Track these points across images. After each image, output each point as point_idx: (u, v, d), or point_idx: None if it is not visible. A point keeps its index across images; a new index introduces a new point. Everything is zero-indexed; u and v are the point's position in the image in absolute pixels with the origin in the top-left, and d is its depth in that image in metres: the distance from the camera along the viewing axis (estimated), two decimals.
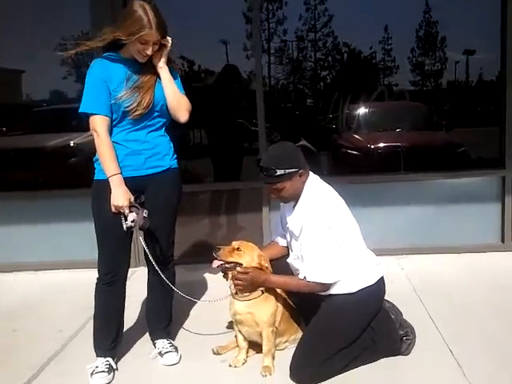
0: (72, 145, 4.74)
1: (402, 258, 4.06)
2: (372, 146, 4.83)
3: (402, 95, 4.75)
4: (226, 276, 2.58)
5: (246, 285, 2.44)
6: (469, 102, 4.84)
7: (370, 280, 2.47)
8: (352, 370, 2.47)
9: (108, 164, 2.37)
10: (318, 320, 2.44)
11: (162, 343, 2.73)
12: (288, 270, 2.64)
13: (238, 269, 2.46)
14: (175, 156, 2.63)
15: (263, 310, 2.51)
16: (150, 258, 2.53)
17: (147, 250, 2.52)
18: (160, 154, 2.54)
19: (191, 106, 2.56)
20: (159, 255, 2.60)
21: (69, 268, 4.28)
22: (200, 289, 3.61)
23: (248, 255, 2.50)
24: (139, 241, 2.58)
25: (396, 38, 4.50)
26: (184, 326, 3.09)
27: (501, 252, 4.11)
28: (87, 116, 2.39)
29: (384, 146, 4.83)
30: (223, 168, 4.59)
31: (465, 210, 4.19)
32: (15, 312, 3.49)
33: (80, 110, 2.39)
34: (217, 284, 2.79)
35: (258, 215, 4.27)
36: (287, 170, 2.39)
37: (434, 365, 2.52)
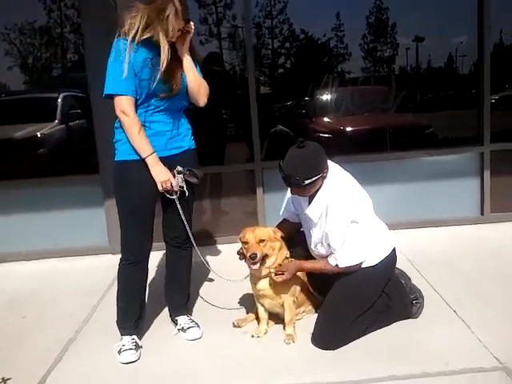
0: (39, 135, 4.64)
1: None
2: (348, 129, 4.90)
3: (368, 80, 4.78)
4: (242, 258, 2.68)
5: (288, 277, 2.55)
6: (436, 87, 4.95)
7: (387, 251, 2.63)
8: (369, 334, 2.63)
9: (142, 144, 2.41)
10: (341, 289, 2.57)
11: (184, 319, 2.81)
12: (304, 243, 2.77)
13: (272, 270, 2.57)
14: (193, 137, 2.69)
15: (284, 283, 2.62)
16: (189, 233, 2.61)
17: (187, 225, 2.59)
18: (181, 135, 2.59)
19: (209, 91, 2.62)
20: (183, 231, 2.66)
21: (56, 257, 4.29)
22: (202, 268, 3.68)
23: (269, 240, 2.58)
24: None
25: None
26: (200, 302, 3.17)
27: (481, 224, 4.38)
28: (111, 97, 2.41)
29: (359, 129, 4.85)
30: (210, 151, 4.63)
31: (446, 185, 4.42)
32: (18, 300, 3.46)
33: (106, 92, 2.40)
34: (216, 264, 2.91)
35: (252, 198, 4.37)
36: (314, 178, 2.41)
37: (443, 325, 2.71)
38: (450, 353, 2.43)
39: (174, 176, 2.48)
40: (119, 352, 2.57)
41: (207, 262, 2.90)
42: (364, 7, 4.42)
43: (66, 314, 3.19)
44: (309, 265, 2.66)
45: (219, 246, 4.26)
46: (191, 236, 2.64)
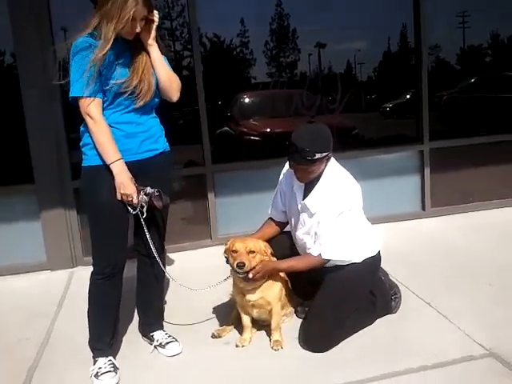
0: None
1: None
2: (278, 132, 4.84)
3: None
4: (229, 262, 2.55)
5: (261, 277, 2.47)
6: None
7: (373, 251, 2.62)
8: (355, 334, 2.61)
9: (108, 149, 2.20)
10: (330, 289, 2.52)
11: (160, 334, 2.61)
12: (284, 246, 2.71)
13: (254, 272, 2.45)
14: (166, 138, 2.50)
15: (272, 289, 2.56)
16: (152, 247, 2.40)
17: (150, 239, 2.38)
18: (154, 137, 2.40)
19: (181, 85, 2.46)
20: (156, 244, 2.46)
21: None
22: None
23: (259, 253, 2.49)
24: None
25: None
26: (169, 315, 2.97)
27: (423, 218, 4.59)
28: (76, 100, 2.19)
29: (282, 131, 4.68)
30: None
31: (389, 182, 4.57)
32: None
33: (71, 95, 2.17)
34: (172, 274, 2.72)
35: (203, 202, 4.22)
36: (324, 154, 2.39)
37: (422, 318, 2.77)
38: (438, 344, 2.47)
39: (139, 193, 2.26)
40: (96, 376, 2.32)
41: (169, 274, 2.66)
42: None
43: (17, 338, 2.85)
44: (285, 264, 2.57)
45: (170, 255, 4.05)
46: (154, 251, 2.41)
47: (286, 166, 2.70)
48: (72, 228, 3.95)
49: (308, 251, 2.55)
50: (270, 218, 2.86)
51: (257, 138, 4.61)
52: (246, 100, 4.74)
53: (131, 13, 2.11)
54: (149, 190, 2.27)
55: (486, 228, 4.23)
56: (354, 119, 4.79)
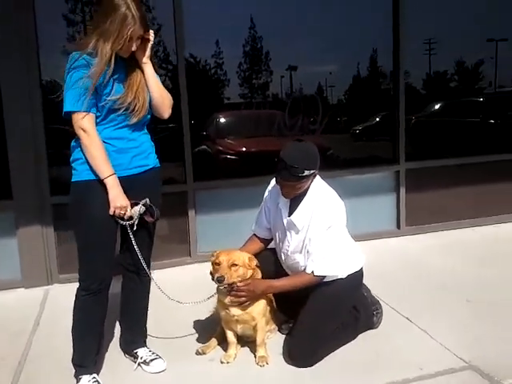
0: None
1: None
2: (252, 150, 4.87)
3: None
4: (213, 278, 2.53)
5: (251, 297, 2.48)
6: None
7: (357, 266, 2.68)
8: (339, 349, 2.64)
9: (102, 164, 2.20)
10: (316, 305, 2.55)
11: (144, 351, 2.59)
12: (269, 262, 2.73)
13: (239, 284, 2.45)
14: (156, 155, 2.52)
15: (257, 305, 2.56)
16: (142, 262, 2.39)
17: (139, 252, 2.38)
18: (145, 153, 2.41)
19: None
20: (145, 258, 2.46)
21: None
22: None
23: (242, 266, 2.49)
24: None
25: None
26: (156, 331, 2.93)
27: (398, 237, 4.69)
28: (70, 115, 2.19)
29: (262, 150, 4.74)
30: None
31: (365, 201, 4.66)
32: None
33: (65, 109, 2.18)
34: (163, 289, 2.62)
35: (183, 220, 4.22)
36: (311, 171, 2.44)
37: (402, 333, 2.83)
38: (420, 358, 2.53)
39: (132, 206, 2.28)
40: None
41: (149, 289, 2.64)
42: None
43: None
44: (278, 283, 2.58)
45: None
46: (144, 265, 2.41)
47: (272, 182, 2.76)
48: (48, 245, 3.88)
49: (301, 269, 2.58)
50: (254, 235, 2.88)
51: (236, 157, 4.66)
52: (225, 119, 4.81)
53: (129, 32, 2.14)
54: (142, 202, 2.29)
55: (458, 246, 4.37)
56: (329, 140, 4.87)
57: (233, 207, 4.30)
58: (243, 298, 2.48)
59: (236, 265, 2.47)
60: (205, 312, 3.00)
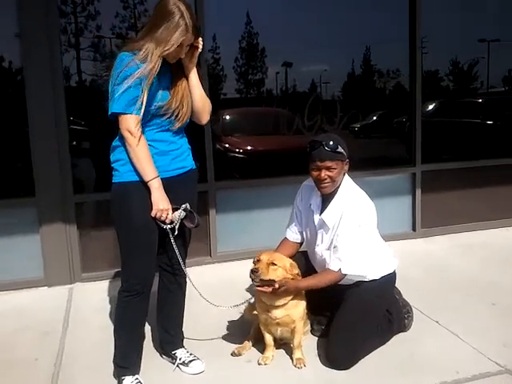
0: None
1: None
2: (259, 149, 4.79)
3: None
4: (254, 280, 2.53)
5: (285, 296, 2.52)
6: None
7: (390, 269, 2.72)
8: (373, 352, 2.68)
9: (147, 167, 2.22)
10: (352, 307, 2.59)
11: (183, 352, 2.61)
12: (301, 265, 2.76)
13: (276, 285, 2.46)
14: (192, 156, 2.54)
15: (298, 308, 2.60)
16: (181, 263, 2.41)
17: (179, 255, 2.39)
18: (184, 155, 2.44)
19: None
20: (183, 260, 2.48)
21: None
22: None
23: (282, 268, 2.51)
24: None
25: None
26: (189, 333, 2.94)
27: (414, 239, 4.74)
28: (116, 116, 2.20)
29: (282, 150, 4.78)
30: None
31: (381, 203, 4.66)
32: None
33: (112, 110, 2.18)
34: None
35: (204, 219, 4.23)
36: (344, 151, 2.56)
37: (434, 336, 2.86)
38: (454, 362, 2.57)
39: (173, 210, 2.31)
40: None
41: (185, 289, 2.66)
42: None
43: (30, 359, 2.76)
44: (305, 283, 2.61)
45: None
46: (183, 266, 2.44)
47: (302, 187, 2.85)
48: (72, 243, 3.88)
49: (327, 267, 2.61)
50: (286, 238, 2.91)
51: (257, 157, 4.68)
52: (245, 118, 4.82)
53: (180, 41, 2.16)
54: (182, 207, 2.31)
55: (476, 249, 4.42)
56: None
57: (253, 207, 4.33)
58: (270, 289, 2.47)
59: (275, 264, 2.49)
60: (233, 314, 3.00)
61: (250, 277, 2.47)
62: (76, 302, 3.55)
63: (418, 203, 4.75)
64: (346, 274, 2.54)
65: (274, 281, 2.47)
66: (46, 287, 3.85)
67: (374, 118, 5.01)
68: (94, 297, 3.62)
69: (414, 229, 4.80)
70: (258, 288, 2.49)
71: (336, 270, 2.53)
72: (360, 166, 4.70)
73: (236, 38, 4.39)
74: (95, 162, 4.13)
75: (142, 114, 2.21)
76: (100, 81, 4.14)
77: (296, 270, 2.57)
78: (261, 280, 2.46)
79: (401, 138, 4.95)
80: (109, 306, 3.40)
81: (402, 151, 4.89)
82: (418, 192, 4.73)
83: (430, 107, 5.06)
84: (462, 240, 4.69)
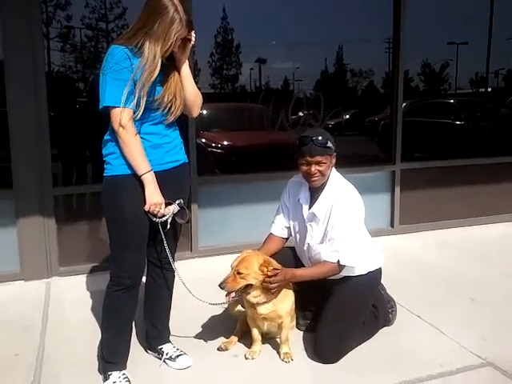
0: None
1: None
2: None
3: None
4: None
5: (282, 284, 2.51)
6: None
7: (377, 264, 2.75)
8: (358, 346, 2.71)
9: (140, 160, 2.18)
10: (339, 302, 2.60)
11: (169, 347, 2.58)
12: (288, 259, 2.76)
13: (269, 273, 2.46)
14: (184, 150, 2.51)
15: (285, 303, 2.59)
16: (170, 258, 2.39)
17: (168, 250, 2.37)
18: (176, 148, 2.41)
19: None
20: (172, 255, 2.45)
21: None
22: None
23: (252, 273, 2.47)
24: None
25: None
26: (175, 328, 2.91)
27: (392, 235, 4.81)
28: (107, 109, 2.15)
29: (263, 145, 4.77)
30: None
31: (362, 199, 4.74)
32: None
33: (104, 104, 2.13)
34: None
35: None
36: (333, 145, 2.58)
37: (416, 330, 2.92)
38: (438, 355, 2.62)
39: (166, 204, 2.28)
40: None
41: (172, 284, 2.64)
42: None
43: (6, 354, 2.69)
44: (303, 272, 2.63)
45: None
46: (171, 260, 2.42)
47: (288, 184, 2.85)
48: (49, 237, 3.78)
49: (323, 259, 2.61)
50: (272, 234, 2.90)
51: (238, 152, 4.67)
52: (226, 113, 4.81)
53: (177, 35, 2.13)
54: (176, 202, 2.30)
55: (452, 245, 4.52)
56: None
57: (235, 202, 4.32)
58: (274, 285, 2.48)
59: (242, 273, 2.46)
60: (218, 309, 2.99)
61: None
62: (54, 297, 3.47)
63: (397, 200, 4.82)
64: (344, 266, 2.55)
65: (251, 285, 2.48)
66: (22, 281, 3.75)
67: (349, 115, 5.05)
68: (73, 291, 3.55)
69: (392, 225, 4.87)
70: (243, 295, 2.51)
71: (334, 261, 2.54)
72: (340, 163, 4.79)
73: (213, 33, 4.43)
74: (75, 155, 4.04)
75: (134, 106, 2.16)
76: (81, 73, 4.05)
77: (273, 265, 2.52)
78: (239, 294, 2.49)
79: (381, 136, 5.01)
80: (88, 301, 3.35)
81: (381, 150, 4.95)
82: (397, 189, 4.80)
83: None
84: (440, 237, 4.78)
